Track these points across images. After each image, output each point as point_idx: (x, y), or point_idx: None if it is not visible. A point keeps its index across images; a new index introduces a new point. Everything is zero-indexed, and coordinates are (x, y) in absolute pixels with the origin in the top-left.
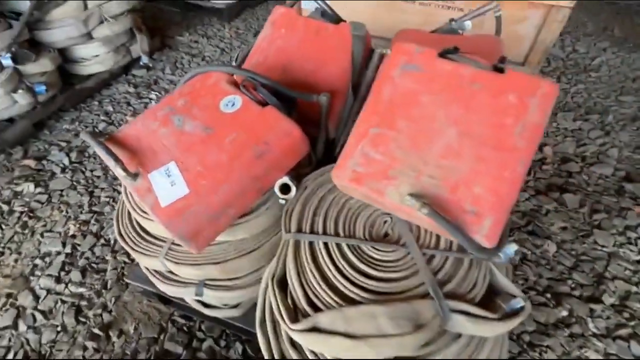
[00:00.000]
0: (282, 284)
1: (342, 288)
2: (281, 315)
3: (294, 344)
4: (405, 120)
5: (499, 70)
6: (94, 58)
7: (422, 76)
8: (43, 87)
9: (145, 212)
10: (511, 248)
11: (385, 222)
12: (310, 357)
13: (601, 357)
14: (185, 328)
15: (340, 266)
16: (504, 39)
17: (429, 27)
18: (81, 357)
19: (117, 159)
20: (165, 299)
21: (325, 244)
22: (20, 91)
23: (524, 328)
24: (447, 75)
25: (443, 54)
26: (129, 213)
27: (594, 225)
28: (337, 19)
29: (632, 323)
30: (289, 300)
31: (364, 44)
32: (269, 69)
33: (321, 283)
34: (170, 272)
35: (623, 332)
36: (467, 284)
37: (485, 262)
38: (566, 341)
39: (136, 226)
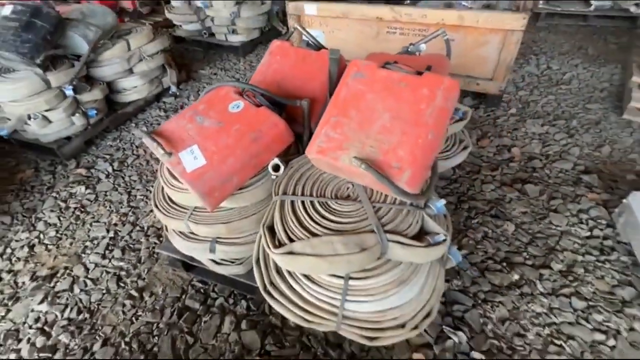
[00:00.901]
0: (271, 229)
1: (311, 228)
2: (268, 246)
3: (278, 272)
4: (355, 110)
5: (419, 73)
6: (133, 88)
7: (366, 81)
8: (94, 112)
9: (173, 186)
10: (440, 202)
11: (348, 187)
12: (287, 278)
13: (545, 310)
14: (201, 290)
15: (312, 214)
16: (472, 61)
17: None
18: (121, 312)
19: (158, 143)
20: (187, 266)
21: (302, 202)
22: (77, 115)
23: (480, 288)
24: (383, 79)
25: (383, 66)
26: (162, 189)
27: (551, 209)
28: (319, 47)
29: (575, 284)
30: (275, 239)
31: (338, 64)
32: (268, 85)
33: (297, 224)
34: (191, 232)
35: (566, 290)
36: (404, 225)
37: (419, 212)
38: (516, 298)
39: (167, 198)
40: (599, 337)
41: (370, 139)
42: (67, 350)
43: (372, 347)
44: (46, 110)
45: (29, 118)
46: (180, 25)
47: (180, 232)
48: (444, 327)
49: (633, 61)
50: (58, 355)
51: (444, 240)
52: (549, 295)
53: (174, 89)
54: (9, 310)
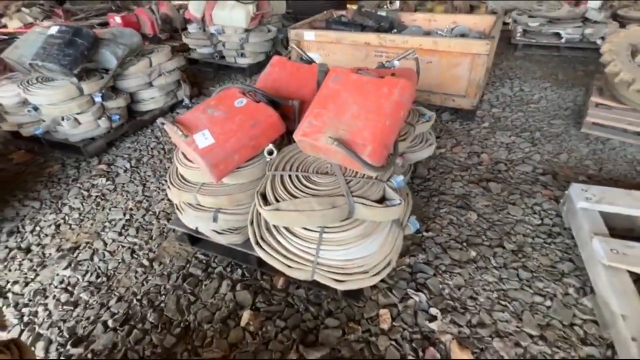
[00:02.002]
0: (263, 196)
1: (294, 192)
2: (260, 205)
3: (267, 229)
4: (332, 104)
5: (381, 77)
6: (151, 99)
7: (342, 82)
8: (117, 117)
9: (187, 165)
10: (400, 177)
11: (327, 166)
12: (274, 233)
13: (496, 280)
14: (204, 261)
15: (296, 183)
16: (447, 80)
17: None
18: (134, 277)
19: (178, 127)
20: (192, 239)
21: (290, 175)
22: (102, 119)
23: (442, 262)
24: (355, 81)
25: (356, 72)
26: (176, 170)
27: (510, 202)
28: (310, 62)
29: (523, 260)
30: (266, 202)
31: (325, 74)
32: (268, 90)
33: (284, 190)
34: (199, 204)
35: (515, 264)
36: (368, 192)
37: (382, 184)
38: (472, 270)
39: (179, 177)
40: (538, 299)
41: (343, 124)
42: (87, 305)
43: (345, 304)
44: (77, 114)
45: (63, 119)
46: (195, 49)
47: (190, 204)
48: (407, 290)
49: (594, 84)
50: (79, 309)
51: (399, 204)
52: (500, 268)
53: (186, 101)
54: (37, 275)
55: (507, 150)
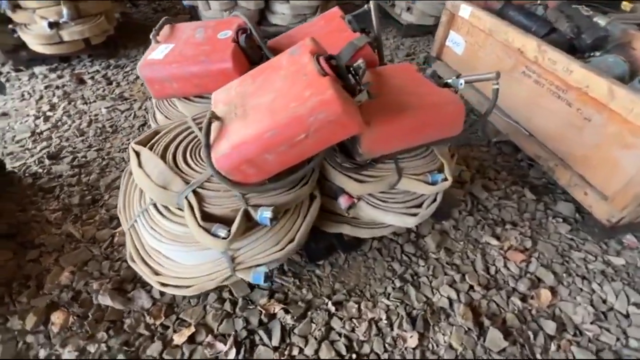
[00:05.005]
0: (156, 133)
1: (169, 150)
2: (139, 137)
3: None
4: (262, 79)
5: (325, 74)
6: (281, 14)
7: (293, 59)
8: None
9: None
10: (266, 213)
11: None
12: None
13: None
14: None
15: (181, 144)
16: (596, 159)
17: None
18: (125, 142)
19: (157, 32)
20: None
21: (192, 132)
22: (227, 12)
23: (302, 346)
24: (302, 64)
25: (327, 57)
26: None
27: None
28: (359, 31)
29: None
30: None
31: (355, 50)
32: (290, 40)
33: (165, 141)
34: (154, 114)
35: None
36: (214, 201)
37: (241, 204)
38: None
39: None
40: None
41: (243, 108)
42: (60, 123)
43: (173, 300)
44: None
45: None
46: None
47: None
48: (234, 332)
49: None
50: (57, 127)
51: (222, 239)
52: None
53: None
54: (93, 103)
55: (594, 307)
